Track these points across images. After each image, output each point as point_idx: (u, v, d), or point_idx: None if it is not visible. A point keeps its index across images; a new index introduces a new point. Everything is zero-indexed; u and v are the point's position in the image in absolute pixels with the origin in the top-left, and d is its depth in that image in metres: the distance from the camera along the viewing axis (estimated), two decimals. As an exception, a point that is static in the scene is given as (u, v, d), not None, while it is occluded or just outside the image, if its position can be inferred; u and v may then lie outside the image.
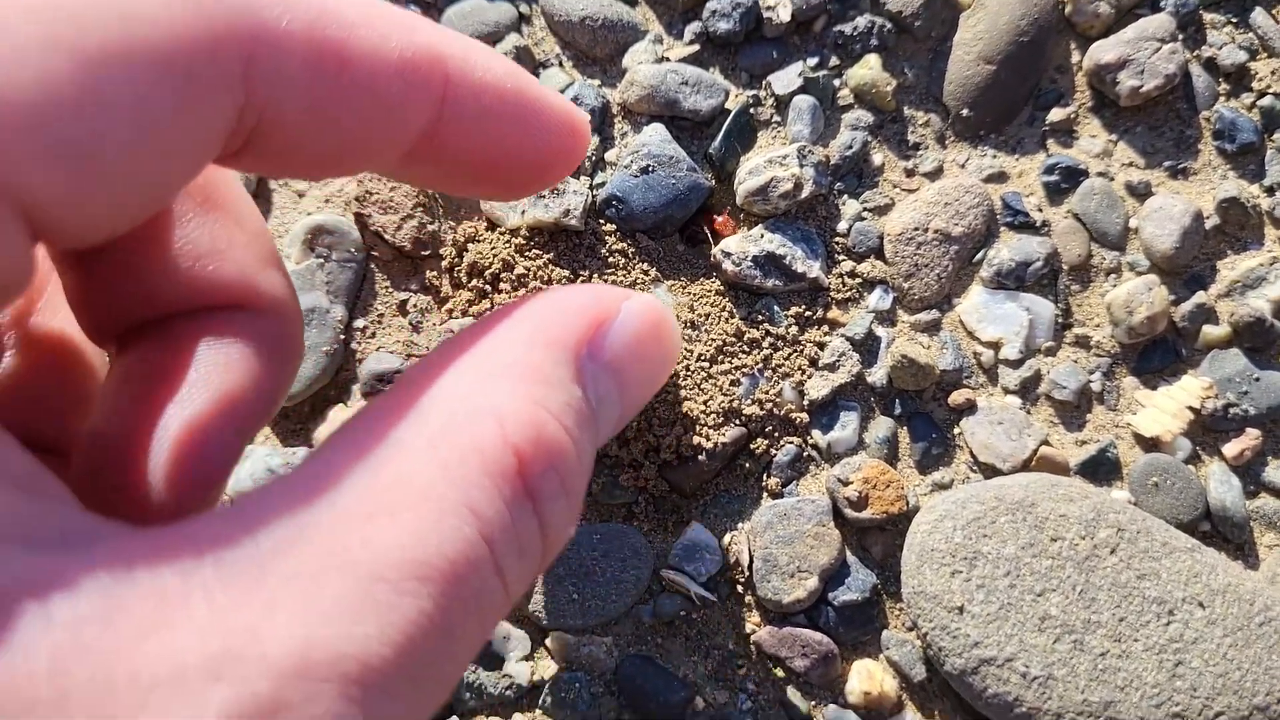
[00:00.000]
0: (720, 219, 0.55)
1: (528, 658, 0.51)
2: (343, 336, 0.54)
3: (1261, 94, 0.55)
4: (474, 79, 0.30)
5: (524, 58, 0.57)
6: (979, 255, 0.55)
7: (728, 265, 0.53)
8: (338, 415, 0.53)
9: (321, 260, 0.54)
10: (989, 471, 0.52)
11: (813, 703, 0.50)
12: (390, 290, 0.56)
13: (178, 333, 0.30)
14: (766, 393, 0.52)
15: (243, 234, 0.32)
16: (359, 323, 0.55)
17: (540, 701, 0.50)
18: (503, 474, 0.24)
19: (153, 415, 0.29)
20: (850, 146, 0.56)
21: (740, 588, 0.51)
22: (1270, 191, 0.54)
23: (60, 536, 0.20)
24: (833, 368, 0.53)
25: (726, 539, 0.51)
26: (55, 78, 0.21)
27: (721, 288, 0.54)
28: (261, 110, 0.25)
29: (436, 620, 0.22)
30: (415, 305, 0.56)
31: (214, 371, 0.30)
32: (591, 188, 0.55)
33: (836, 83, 0.57)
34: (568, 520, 0.27)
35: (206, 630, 0.19)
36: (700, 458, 0.51)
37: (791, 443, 0.52)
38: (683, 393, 0.51)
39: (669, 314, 0.34)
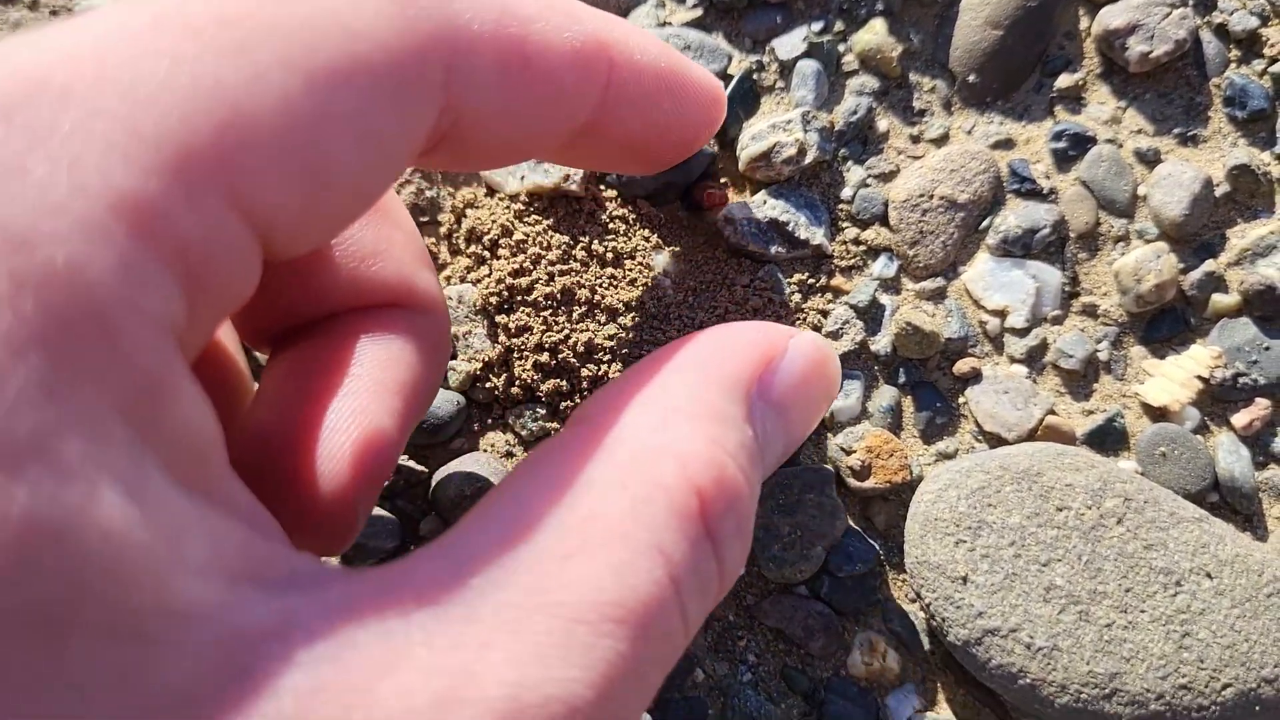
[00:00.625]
0: (712, 190, 0.54)
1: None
2: (339, 303, 0.53)
3: (1273, 60, 0.54)
4: (635, 62, 0.31)
5: (524, 22, 0.56)
6: (985, 222, 0.54)
7: (730, 232, 0.53)
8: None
9: (318, 226, 0.53)
10: (994, 441, 0.52)
11: (814, 674, 0.50)
12: (387, 257, 0.55)
13: (338, 330, 0.31)
14: (769, 361, 0.51)
15: (400, 234, 0.33)
16: (356, 290, 0.54)
17: (538, 672, 0.49)
18: (687, 515, 0.25)
19: (319, 410, 0.30)
20: (855, 112, 0.55)
21: (741, 558, 0.51)
22: (1281, 159, 0.53)
23: (290, 578, 0.21)
24: (836, 336, 0.52)
25: (727, 508, 0.51)
26: (293, 99, 0.21)
27: (724, 255, 0.54)
28: (458, 111, 0.26)
29: (630, 662, 0.22)
30: (413, 272, 0.55)
31: (377, 367, 0.31)
32: (592, 153, 0.54)
33: (841, 48, 0.56)
34: (741, 560, 0.28)
35: (430, 671, 0.20)
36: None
37: (794, 411, 0.52)
38: (684, 360, 0.51)
39: (831, 352, 0.34)
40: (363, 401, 0.30)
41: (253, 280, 0.23)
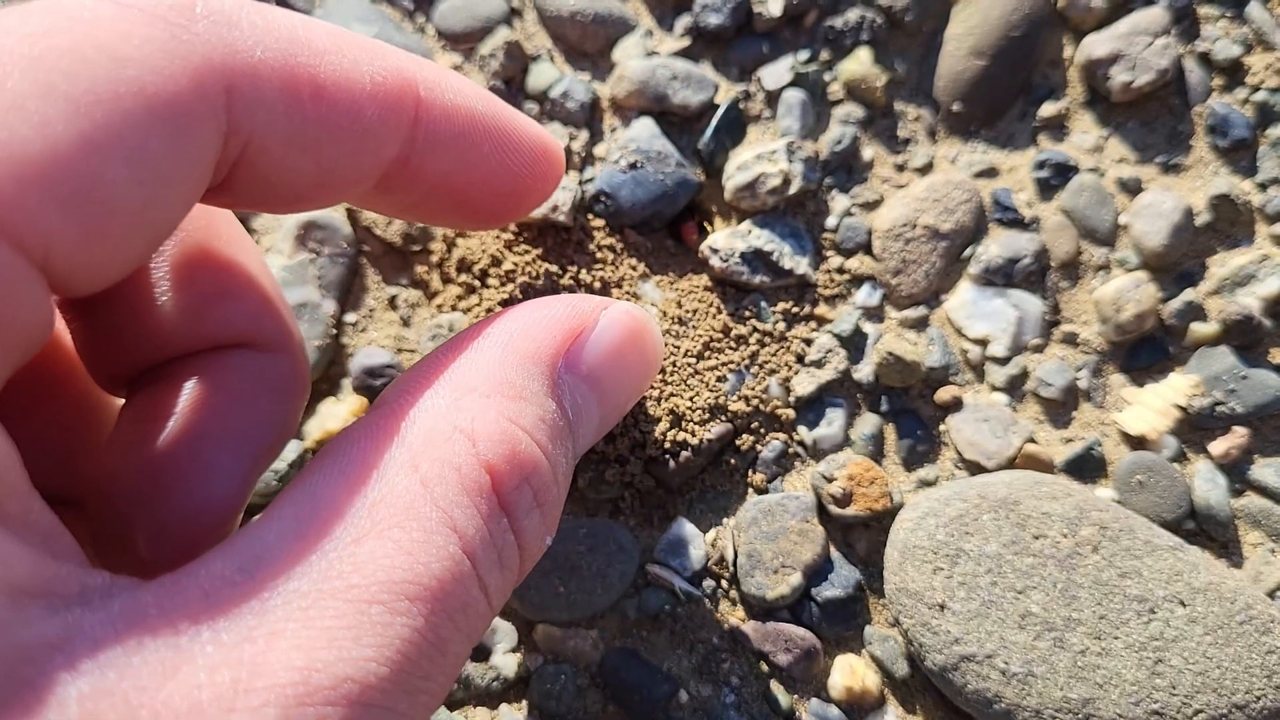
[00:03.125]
0: (701, 225, 0.55)
1: (515, 650, 0.51)
2: (334, 331, 0.54)
3: (1256, 88, 0.54)
4: (446, 101, 0.30)
5: (515, 52, 0.57)
6: (968, 251, 0.54)
7: (715, 261, 0.53)
8: (328, 409, 0.54)
9: (313, 255, 0.55)
10: (974, 469, 0.52)
11: (796, 697, 0.51)
12: (381, 285, 0.56)
13: (185, 374, 0.31)
14: (753, 389, 0.53)
15: (244, 273, 0.33)
16: (350, 317, 0.55)
17: (527, 694, 0.51)
18: (479, 491, 0.26)
19: (161, 456, 0.30)
20: (840, 141, 0.55)
21: (725, 583, 0.52)
22: (1262, 188, 0.53)
23: (80, 593, 0.21)
24: (819, 364, 0.53)
25: (711, 535, 0.52)
26: (55, 127, 0.21)
27: (710, 284, 0.54)
28: (245, 139, 0.26)
29: (428, 636, 0.23)
30: (405, 300, 0.56)
31: (221, 411, 0.31)
32: (580, 183, 0.55)
33: (827, 77, 0.56)
34: (543, 532, 0.28)
35: (216, 667, 0.20)
36: (686, 454, 0.51)
37: (777, 439, 0.53)
38: (669, 389, 0.52)
39: (650, 321, 0.34)
40: (199, 451, 0.30)
41: (46, 315, 0.23)
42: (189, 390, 0.31)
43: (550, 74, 0.57)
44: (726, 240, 0.54)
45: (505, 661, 0.51)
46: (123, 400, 0.32)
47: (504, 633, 0.51)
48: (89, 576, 0.22)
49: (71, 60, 0.22)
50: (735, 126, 0.56)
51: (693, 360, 0.52)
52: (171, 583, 0.22)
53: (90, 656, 0.20)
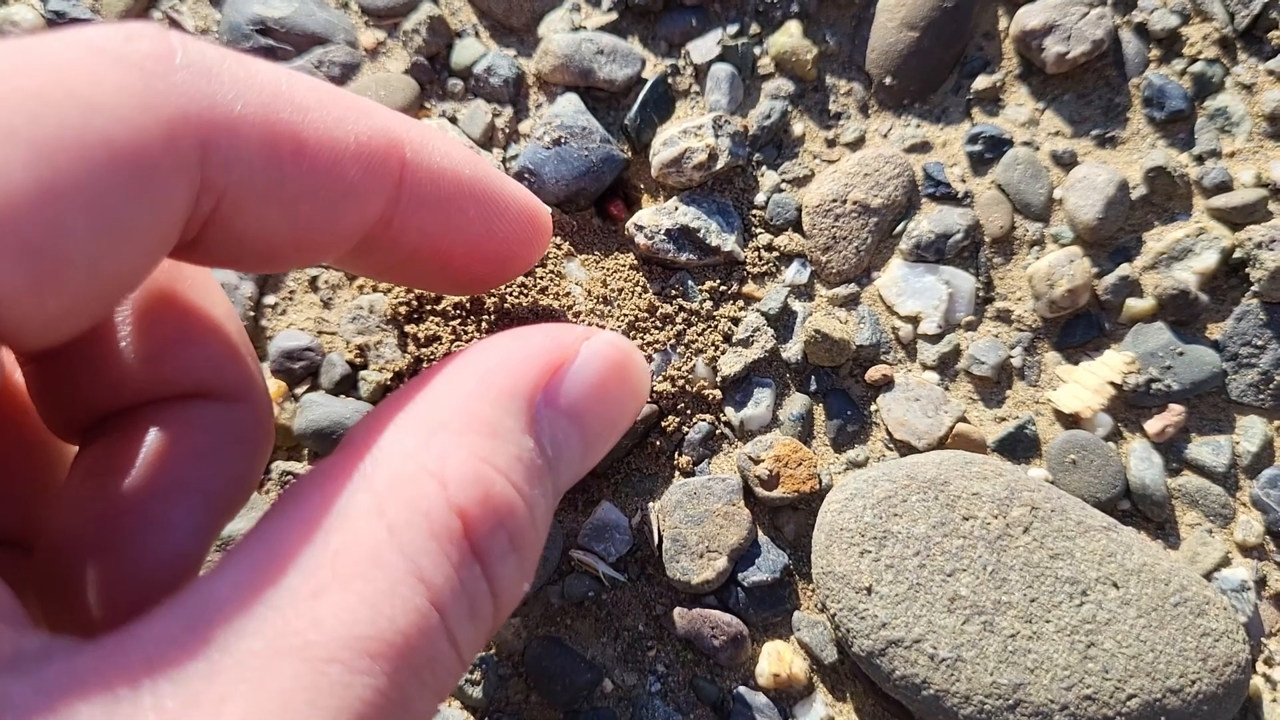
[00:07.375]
0: (627, 201, 0.53)
1: (434, 639, 0.50)
2: (252, 313, 0.53)
3: (1193, 60, 0.53)
4: (432, 163, 0.29)
5: (439, 28, 0.56)
6: (899, 227, 0.53)
7: (641, 239, 0.52)
8: (245, 394, 0.52)
9: (230, 236, 0.53)
10: (905, 449, 0.51)
11: (723, 685, 0.49)
12: (301, 266, 0.55)
13: (142, 424, 0.30)
14: (679, 369, 0.51)
15: (209, 321, 0.31)
16: (269, 299, 0.54)
17: (447, 683, 0.49)
18: (449, 537, 0.24)
19: (114, 511, 0.28)
20: (769, 116, 0.54)
21: (650, 568, 0.50)
22: (1199, 160, 0.52)
23: (12, 658, 0.20)
24: (747, 344, 0.52)
25: (636, 518, 0.50)
26: (11, 172, 0.20)
27: (635, 262, 0.53)
28: (219, 195, 0.24)
29: (391, 695, 0.22)
30: (326, 281, 0.54)
31: (178, 465, 0.29)
32: (503, 160, 0.54)
33: (757, 51, 0.55)
34: (520, 578, 0.27)
35: None
36: (610, 436, 0.50)
37: (704, 420, 0.51)
38: (593, 370, 0.50)
39: (634, 351, 0.33)
40: (155, 507, 0.28)
41: None
42: (146, 442, 0.29)
43: (475, 50, 0.56)
44: (652, 217, 0.52)
45: (424, 651, 0.49)
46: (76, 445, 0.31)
47: (423, 621, 0.50)
48: (24, 639, 0.21)
49: (37, 104, 0.21)
50: (663, 102, 0.55)
51: (617, 340, 0.51)
52: (114, 644, 0.21)
53: None
